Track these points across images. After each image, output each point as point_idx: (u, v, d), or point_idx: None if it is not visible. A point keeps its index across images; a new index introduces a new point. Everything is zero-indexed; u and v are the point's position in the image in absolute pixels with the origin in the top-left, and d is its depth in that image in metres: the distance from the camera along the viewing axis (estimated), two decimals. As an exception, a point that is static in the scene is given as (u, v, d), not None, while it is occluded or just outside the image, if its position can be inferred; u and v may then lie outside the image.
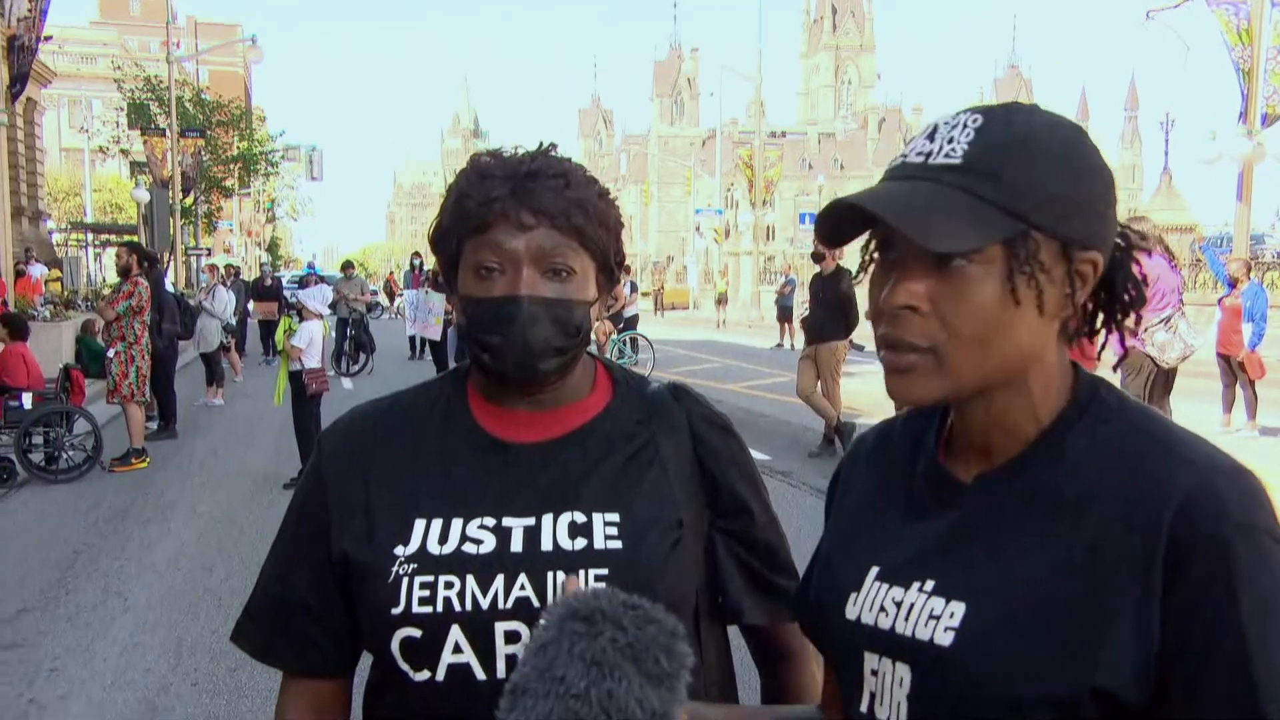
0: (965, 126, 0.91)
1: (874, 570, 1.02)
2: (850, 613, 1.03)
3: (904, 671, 0.95)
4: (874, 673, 0.99)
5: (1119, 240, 0.97)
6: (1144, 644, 0.83)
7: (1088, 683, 0.84)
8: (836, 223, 0.97)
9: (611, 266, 1.29)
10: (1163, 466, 0.87)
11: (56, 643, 5.09)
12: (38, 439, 9.08)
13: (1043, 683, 0.85)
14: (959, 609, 0.92)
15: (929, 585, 0.95)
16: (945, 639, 0.91)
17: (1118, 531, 0.86)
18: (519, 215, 1.19)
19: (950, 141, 0.91)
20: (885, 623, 0.98)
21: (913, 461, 1.06)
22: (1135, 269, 0.98)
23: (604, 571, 1.17)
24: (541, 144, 1.28)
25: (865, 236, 0.99)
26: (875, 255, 0.97)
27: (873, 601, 1.00)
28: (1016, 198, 0.88)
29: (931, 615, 0.93)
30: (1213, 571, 0.83)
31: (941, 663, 0.91)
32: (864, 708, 1.00)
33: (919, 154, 0.93)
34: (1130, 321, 0.99)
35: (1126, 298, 0.97)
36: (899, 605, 0.97)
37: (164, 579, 6.17)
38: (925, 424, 1.07)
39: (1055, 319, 0.93)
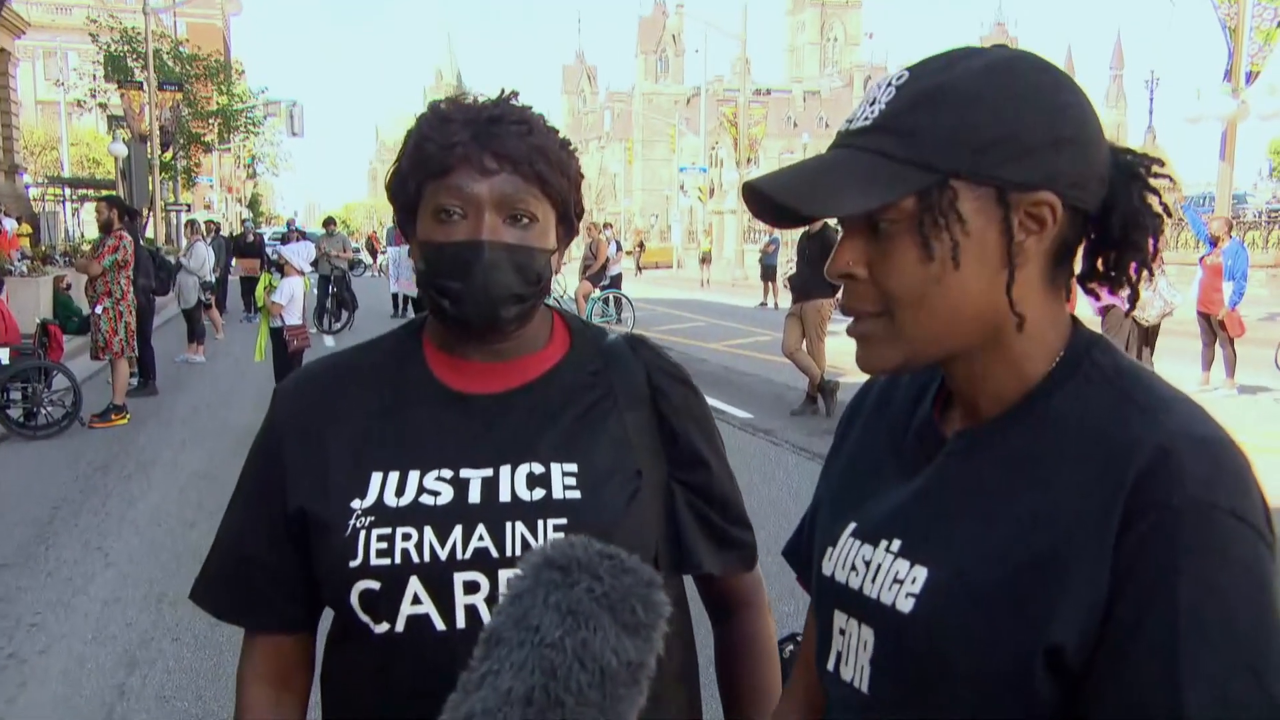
0: (890, 86, 0.88)
1: (851, 525, 1.00)
2: (826, 568, 1.01)
3: (868, 634, 0.93)
4: (841, 632, 0.98)
5: (1125, 175, 0.90)
6: (1092, 606, 0.80)
7: (1041, 643, 0.81)
8: (775, 206, 0.91)
9: (571, 217, 1.28)
10: (1136, 428, 0.82)
11: (37, 598, 5.09)
12: (15, 395, 9.01)
13: (998, 654, 0.83)
14: (921, 574, 0.89)
15: (895, 545, 0.93)
16: (906, 605, 0.89)
17: (1082, 494, 0.82)
18: (481, 159, 1.17)
19: (873, 104, 0.88)
20: (855, 582, 0.96)
21: (910, 416, 1.03)
22: (1147, 203, 0.90)
23: (563, 521, 1.16)
24: (503, 91, 1.26)
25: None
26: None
27: (845, 558, 0.98)
28: (925, 148, 0.84)
29: (896, 579, 0.91)
30: (1156, 542, 0.78)
31: (902, 630, 0.89)
32: (831, 666, 0.99)
33: (848, 120, 0.91)
34: (1142, 265, 0.92)
35: (1125, 236, 0.90)
36: (868, 564, 0.95)
37: (145, 535, 6.17)
38: (929, 378, 1.04)
39: (1000, 271, 0.86)
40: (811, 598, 1.08)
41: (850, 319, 0.93)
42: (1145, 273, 0.93)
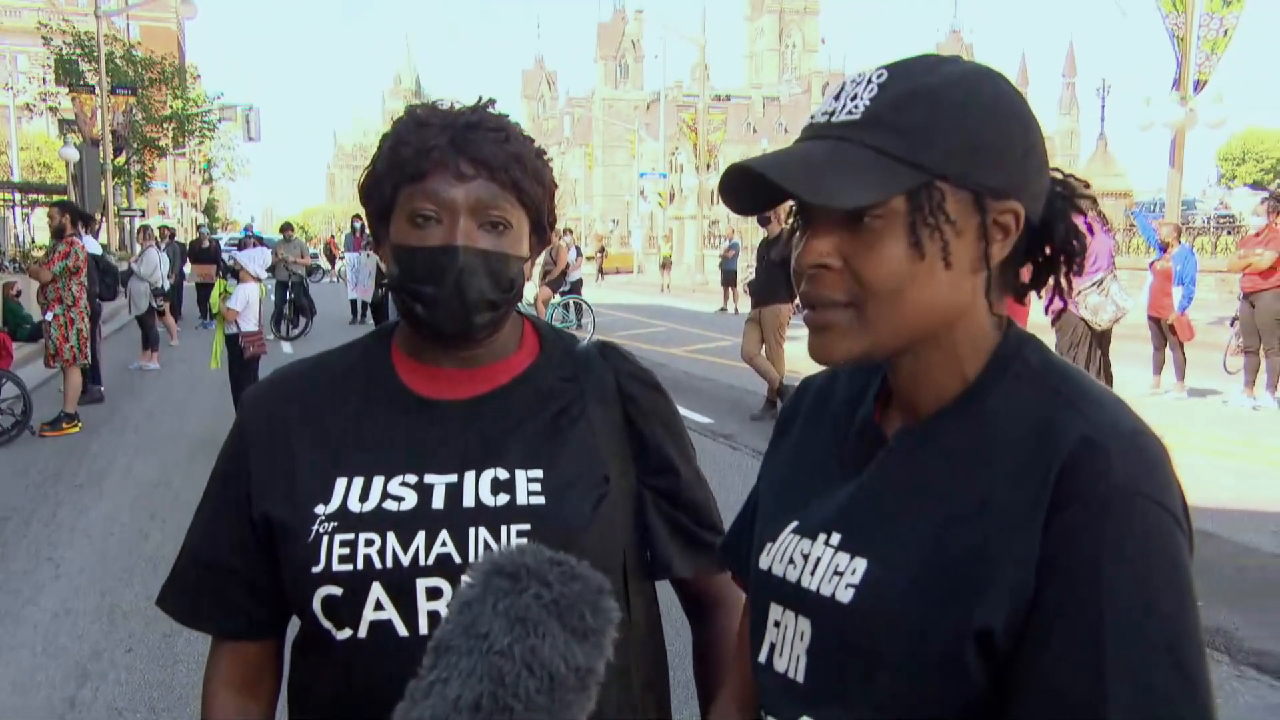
0: (870, 82, 0.90)
1: (793, 524, 1.02)
2: (763, 562, 1.03)
3: (805, 626, 0.95)
4: (776, 624, 0.99)
5: (1058, 189, 0.95)
6: (1019, 591, 0.82)
7: (973, 627, 0.83)
8: (744, 191, 0.94)
9: (544, 225, 1.28)
10: (1064, 422, 0.86)
11: (-15, 610, 4.99)
12: (-37, 404, 8.85)
13: (934, 642, 0.85)
14: (861, 566, 0.92)
15: (835, 539, 0.95)
16: (845, 596, 0.91)
17: (1013, 484, 0.85)
18: (458, 165, 1.18)
19: (854, 99, 0.90)
20: (793, 575, 0.98)
21: (851, 417, 1.05)
22: (1076, 219, 0.95)
23: (526, 527, 1.16)
24: (480, 99, 1.26)
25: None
26: (798, 220, 0.95)
27: (784, 553, 1.00)
28: (917, 148, 0.87)
29: (836, 571, 0.93)
30: (1082, 529, 0.81)
31: (841, 620, 0.91)
32: (763, 658, 1.01)
33: (824, 113, 0.92)
34: (1067, 275, 0.97)
35: (1065, 249, 0.95)
36: (806, 558, 0.97)
37: (97, 545, 6.07)
38: (869, 378, 1.06)
39: (974, 273, 0.91)
40: (747, 593, 1.10)
41: (807, 311, 0.94)
42: (1068, 283, 0.98)
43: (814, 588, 0.95)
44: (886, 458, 0.97)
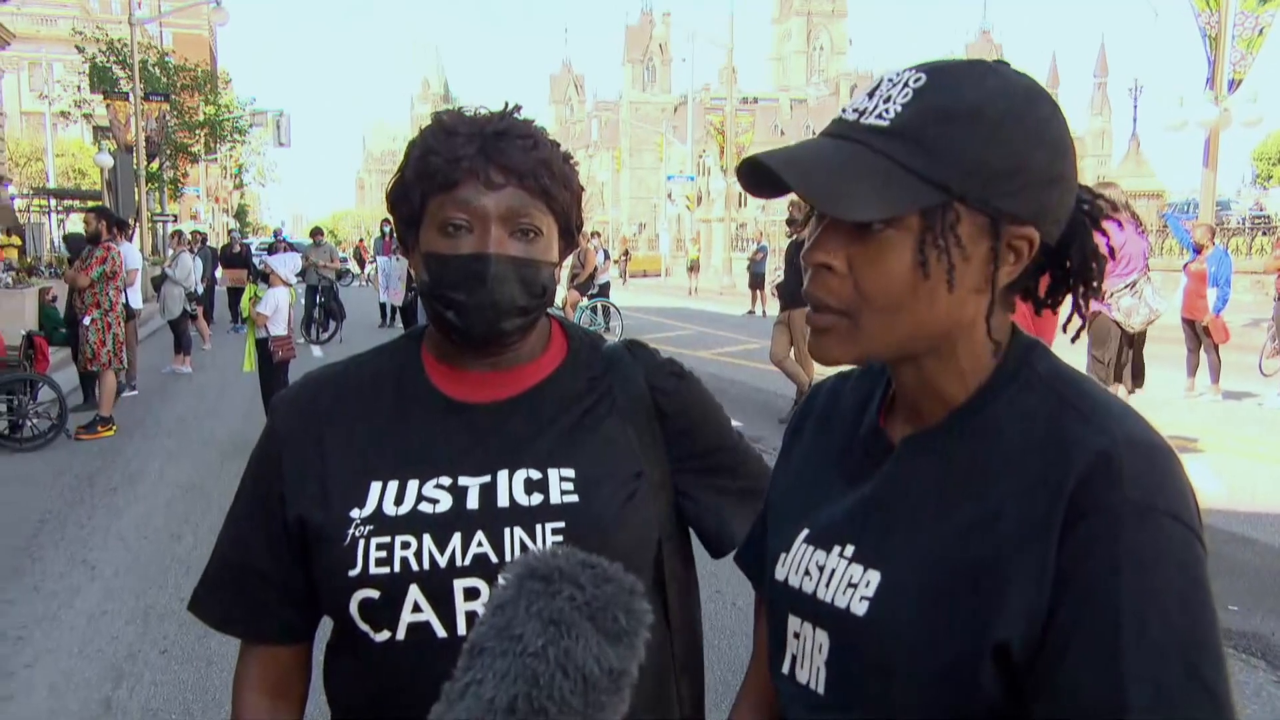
0: (906, 86, 0.87)
1: (804, 532, 1.02)
2: (779, 573, 1.03)
3: (823, 638, 0.95)
4: (796, 635, 0.99)
5: (1083, 212, 0.93)
6: (1036, 605, 0.82)
7: (989, 641, 0.83)
8: (760, 177, 0.91)
9: (572, 230, 1.29)
10: (1076, 433, 0.85)
11: (23, 611, 5.05)
12: (1, 407, 8.96)
13: (949, 654, 0.85)
14: (874, 578, 0.91)
15: (849, 551, 0.95)
16: (860, 608, 0.91)
17: (1025, 497, 0.85)
18: (488, 174, 1.18)
19: (888, 101, 0.87)
20: (809, 586, 0.98)
21: (857, 422, 1.05)
22: (1097, 243, 0.93)
23: (560, 525, 1.17)
24: (507, 105, 1.27)
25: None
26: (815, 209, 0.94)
27: (799, 564, 1.00)
28: (940, 166, 0.84)
29: (850, 583, 0.93)
30: (1097, 543, 0.80)
31: (856, 632, 0.91)
32: (786, 669, 1.01)
33: (855, 110, 0.90)
34: (1084, 296, 0.95)
35: (1081, 273, 0.94)
36: (821, 570, 0.97)
37: (131, 547, 6.13)
38: (875, 382, 1.06)
39: (978, 293, 0.89)
40: (765, 602, 1.10)
41: (808, 309, 0.93)
42: (1085, 303, 0.96)
43: (829, 600, 0.95)
44: (894, 466, 0.96)
